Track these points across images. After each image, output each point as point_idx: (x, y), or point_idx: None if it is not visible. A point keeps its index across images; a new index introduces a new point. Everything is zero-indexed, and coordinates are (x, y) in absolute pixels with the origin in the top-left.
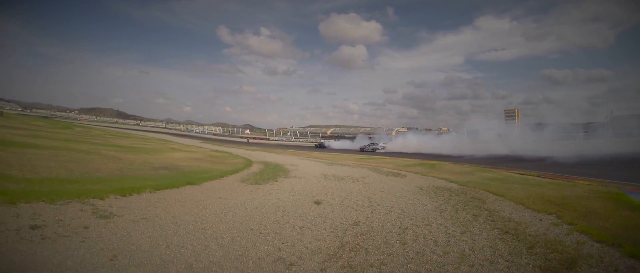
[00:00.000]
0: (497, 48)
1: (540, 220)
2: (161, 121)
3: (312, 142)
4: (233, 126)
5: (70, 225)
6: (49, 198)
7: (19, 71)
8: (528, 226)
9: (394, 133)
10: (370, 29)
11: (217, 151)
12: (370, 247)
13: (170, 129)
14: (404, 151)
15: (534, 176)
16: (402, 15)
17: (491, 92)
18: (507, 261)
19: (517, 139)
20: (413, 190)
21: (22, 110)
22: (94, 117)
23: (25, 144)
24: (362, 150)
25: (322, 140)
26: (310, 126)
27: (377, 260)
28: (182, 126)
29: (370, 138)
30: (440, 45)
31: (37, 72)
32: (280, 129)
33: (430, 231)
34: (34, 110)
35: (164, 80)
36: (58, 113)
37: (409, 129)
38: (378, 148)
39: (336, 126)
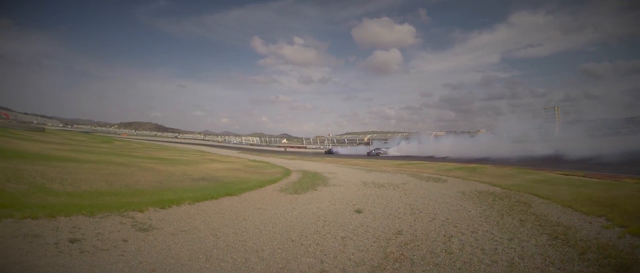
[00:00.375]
0: (533, 44)
1: (590, 223)
2: (199, 133)
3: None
4: (270, 136)
5: (109, 238)
6: (89, 211)
7: (59, 89)
8: (578, 231)
9: (434, 134)
10: (403, 32)
11: (255, 161)
12: (415, 257)
13: (208, 140)
14: (408, 154)
15: (579, 176)
16: (434, 16)
17: (530, 90)
18: (559, 269)
19: (558, 138)
20: (455, 196)
21: (63, 126)
22: (133, 130)
23: (66, 158)
24: (368, 155)
25: (331, 147)
26: (347, 134)
27: (423, 271)
28: (219, 137)
29: (368, 144)
30: (474, 44)
31: (77, 90)
32: (317, 137)
33: (476, 239)
34: (75, 126)
35: (201, 93)
36: (98, 128)
37: (447, 132)
38: (381, 153)
39: (373, 132)
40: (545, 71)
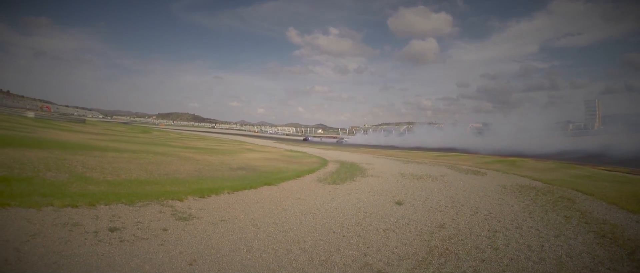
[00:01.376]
0: (572, 33)
1: (637, 222)
2: (235, 123)
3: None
4: (306, 126)
5: (149, 227)
6: (129, 200)
7: (99, 83)
8: (625, 230)
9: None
10: (440, 20)
11: (291, 151)
12: (460, 252)
13: (245, 130)
14: (365, 143)
15: (623, 173)
16: (472, 4)
17: (569, 81)
18: (609, 269)
19: (599, 133)
20: (496, 189)
21: (103, 117)
22: (171, 121)
23: (106, 148)
24: (337, 143)
25: (307, 135)
26: (383, 124)
27: (470, 267)
28: (255, 127)
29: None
30: (513, 33)
31: (117, 83)
32: (353, 127)
33: (521, 235)
34: (114, 117)
35: (237, 84)
36: (137, 119)
37: (484, 124)
38: (342, 141)
39: (408, 123)
40: (585, 62)
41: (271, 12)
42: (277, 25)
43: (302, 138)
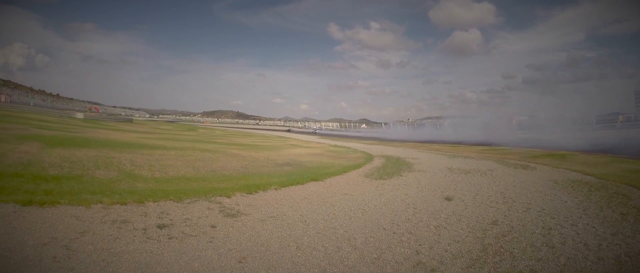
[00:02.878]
0: (620, 19)
1: None
2: (279, 120)
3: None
4: (349, 121)
5: (197, 224)
6: (176, 196)
7: (145, 83)
8: None
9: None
10: (483, 10)
11: (335, 146)
12: (515, 250)
13: (288, 126)
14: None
15: None
16: None
17: (619, 70)
18: None
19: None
20: (547, 184)
21: (149, 116)
22: (216, 119)
23: (153, 146)
24: (314, 132)
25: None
26: (427, 118)
27: (526, 266)
28: (299, 123)
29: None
30: (558, 21)
31: (162, 83)
32: (396, 122)
33: (577, 233)
34: (160, 116)
35: (280, 80)
36: (182, 117)
37: (530, 117)
38: (317, 131)
39: (453, 117)
40: (635, 49)
41: (311, 9)
42: (318, 22)
43: (286, 129)
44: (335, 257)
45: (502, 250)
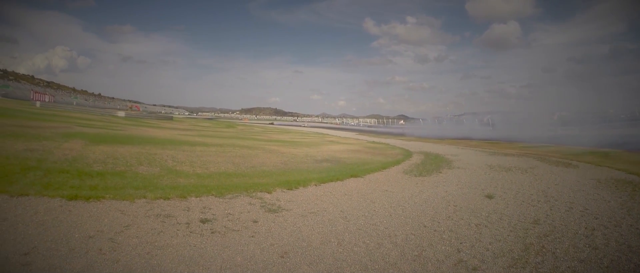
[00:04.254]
0: None
1: None
2: (317, 116)
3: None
4: (387, 117)
5: (239, 219)
6: (218, 192)
7: (184, 82)
8: None
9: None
10: (521, 1)
11: (374, 142)
12: (557, 250)
13: (326, 123)
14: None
15: None
16: None
17: None
18: None
19: None
20: (590, 183)
21: (189, 114)
22: (254, 116)
23: (194, 143)
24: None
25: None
26: (465, 114)
27: (569, 267)
28: (337, 119)
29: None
30: (598, 11)
31: (200, 81)
32: (435, 118)
33: (621, 234)
34: (199, 113)
35: (317, 77)
36: (221, 114)
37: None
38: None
39: (492, 113)
40: None
41: (346, 5)
42: (353, 18)
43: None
44: (377, 254)
45: (544, 250)
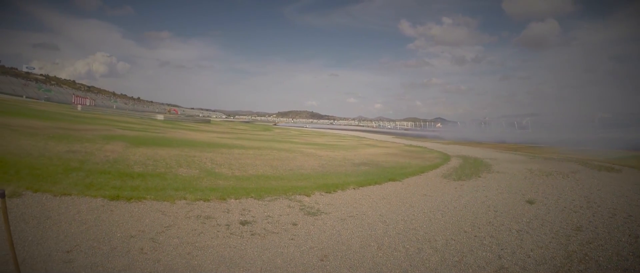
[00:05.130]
0: None
1: None
2: (353, 119)
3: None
4: (424, 120)
5: (278, 221)
6: (257, 194)
7: (221, 86)
8: None
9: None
10: None
11: (411, 146)
12: (600, 258)
13: (363, 126)
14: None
15: None
16: None
17: None
18: None
19: None
20: (634, 189)
21: (226, 117)
22: (290, 119)
23: (232, 145)
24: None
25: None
26: (503, 116)
27: None
28: (373, 122)
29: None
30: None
31: (237, 85)
32: (472, 120)
33: None
34: (236, 116)
35: (353, 80)
36: (258, 118)
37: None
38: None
39: (531, 115)
40: None
41: (381, 7)
42: (388, 20)
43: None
44: (417, 259)
45: (587, 257)
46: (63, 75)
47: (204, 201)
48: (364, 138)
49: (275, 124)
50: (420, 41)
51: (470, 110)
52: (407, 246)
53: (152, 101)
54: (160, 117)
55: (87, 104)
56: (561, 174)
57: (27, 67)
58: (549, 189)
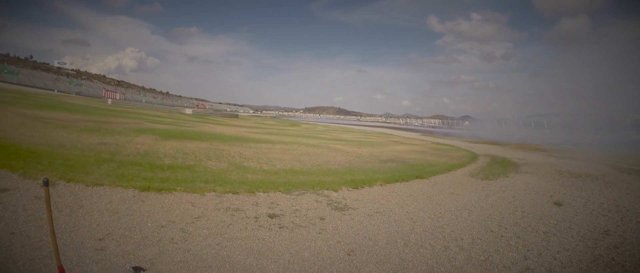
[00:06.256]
0: None
1: None
2: (380, 116)
3: None
4: (451, 118)
5: (306, 215)
6: (285, 188)
7: (248, 81)
8: None
9: None
10: None
11: (438, 143)
12: (627, 263)
13: (390, 123)
14: None
15: None
16: None
17: None
18: None
19: None
20: None
21: (253, 112)
22: (317, 115)
23: (259, 140)
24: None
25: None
26: (532, 115)
27: None
28: (400, 119)
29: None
30: None
31: (265, 80)
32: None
33: None
34: (263, 112)
35: (381, 76)
36: (285, 113)
37: None
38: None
39: (561, 114)
40: None
41: (409, 3)
42: (416, 15)
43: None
44: (443, 257)
45: (613, 262)
46: (94, 70)
47: (233, 193)
48: (391, 135)
49: (364, 119)
50: (448, 37)
51: (498, 108)
52: (434, 243)
53: (180, 96)
54: (189, 111)
55: (117, 98)
56: (590, 176)
57: (58, 63)
58: (577, 191)
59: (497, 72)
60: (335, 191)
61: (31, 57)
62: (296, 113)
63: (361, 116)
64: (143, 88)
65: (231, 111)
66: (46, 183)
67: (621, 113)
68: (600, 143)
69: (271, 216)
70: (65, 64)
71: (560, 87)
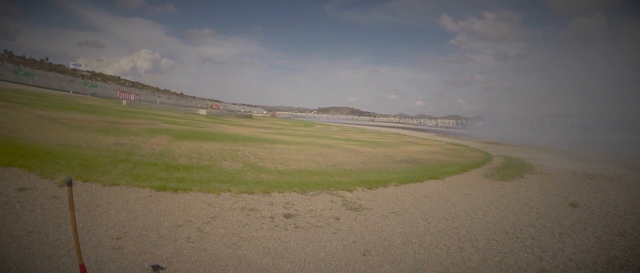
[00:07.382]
0: None
1: None
2: (394, 116)
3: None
4: (466, 119)
5: (321, 215)
6: (300, 188)
7: (262, 82)
8: None
9: None
10: None
11: (452, 144)
12: None
13: (404, 123)
14: None
15: None
16: None
17: None
18: None
19: None
20: None
21: (267, 113)
22: (331, 115)
23: (274, 140)
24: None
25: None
26: (546, 116)
27: None
28: (414, 120)
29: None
30: None
31: (278, 81)
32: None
33: None
34: (277, 112)
35: (394, 77)
36: (299, 114)
37: None
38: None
39: (576, 114)
40: None
41: (422, 2)
42: (429, 15)
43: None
44: (458, 257)
45: (629, 264)
46: (108, 71)
47: (248, 193)
48: (405, 135)
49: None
50: (462, 36)
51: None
52: (449, 244)
53: (194, 97)
54: (203, 112)
55: (132, 99)
56: (606, 177)
57: (73, 64)
58: (592, 192)
59: (512, 71)
60: (350, 191)
61: (47, 59)
62: (309, 113)
63: (375, 116)
64: (157, 89)
65: (245, 111)
66: (69, 183)
67: (638, 113)
68: (616, 144)
69: (287, 216)
70: (80, 65)
71: (576, 87)
